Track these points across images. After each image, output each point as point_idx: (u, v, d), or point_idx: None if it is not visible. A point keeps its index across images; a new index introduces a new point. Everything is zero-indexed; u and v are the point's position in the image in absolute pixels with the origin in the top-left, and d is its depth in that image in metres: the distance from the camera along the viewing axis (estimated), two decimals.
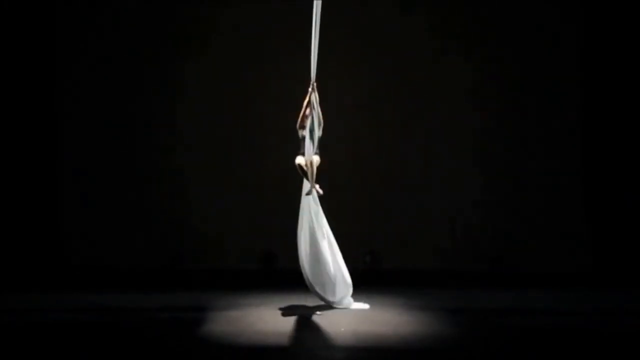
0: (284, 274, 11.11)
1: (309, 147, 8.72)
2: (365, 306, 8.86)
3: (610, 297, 9.72)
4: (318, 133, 8.77)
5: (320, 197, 8.81)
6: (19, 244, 11.35)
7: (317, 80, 8.75)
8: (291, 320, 8.22)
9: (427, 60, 11.70)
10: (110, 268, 11.44)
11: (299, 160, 8.73)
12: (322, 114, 8.80)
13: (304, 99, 8.78)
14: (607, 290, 10.20)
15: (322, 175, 8.92)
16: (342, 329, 7.80)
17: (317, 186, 8.71)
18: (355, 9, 11.58)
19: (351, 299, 8.90)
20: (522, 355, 7.04)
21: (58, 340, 7.49)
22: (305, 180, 8.77)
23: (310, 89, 8.76)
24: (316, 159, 8.74)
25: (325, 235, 8.80)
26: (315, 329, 7.95)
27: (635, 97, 11.42)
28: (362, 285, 9.59)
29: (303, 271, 8.77)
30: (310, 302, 8.94)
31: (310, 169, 8.68)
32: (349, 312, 8.65)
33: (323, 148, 8.88)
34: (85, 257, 11.58)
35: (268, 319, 8.27)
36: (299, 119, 8.78)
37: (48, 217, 11.59)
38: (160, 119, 11.72)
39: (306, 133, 8.73)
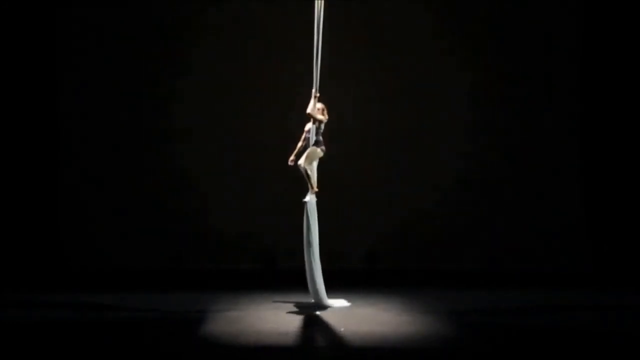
0: (283, 274, 11.13)
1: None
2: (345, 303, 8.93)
3: (610, 297, 9.72)
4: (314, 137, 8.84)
5: (318, 198, 8.82)
6: (19, 244, 11.35)
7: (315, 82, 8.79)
8: (291, 320, 8.22)
9: (427, 60, 11.72)
10: (110, 268, 11.44)
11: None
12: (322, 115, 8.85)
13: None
14: (607, 291, 10.20)
15: (322, 176, 8.93)
16: (342, 329, 7.80)
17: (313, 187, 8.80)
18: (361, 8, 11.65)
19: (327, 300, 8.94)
20: (522, 355, 7.04)
21: (58, 340, 7.49)
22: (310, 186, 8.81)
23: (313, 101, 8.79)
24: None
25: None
26: (316, 329, 7.96)
27: (635, 97, 11.44)
28: (362, 286, 9.61)
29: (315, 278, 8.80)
30: (309, 302, 8.94)
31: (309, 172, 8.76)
32: (349, 312, 8.65)
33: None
34: (85, 258, 11.58)
35: (268, 319, 8.27)
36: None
37: (48, 219, 11.59)
38: (160, 120, 11.71)
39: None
